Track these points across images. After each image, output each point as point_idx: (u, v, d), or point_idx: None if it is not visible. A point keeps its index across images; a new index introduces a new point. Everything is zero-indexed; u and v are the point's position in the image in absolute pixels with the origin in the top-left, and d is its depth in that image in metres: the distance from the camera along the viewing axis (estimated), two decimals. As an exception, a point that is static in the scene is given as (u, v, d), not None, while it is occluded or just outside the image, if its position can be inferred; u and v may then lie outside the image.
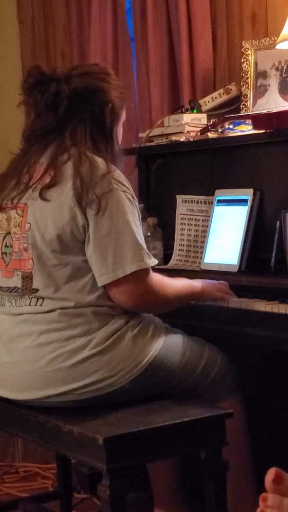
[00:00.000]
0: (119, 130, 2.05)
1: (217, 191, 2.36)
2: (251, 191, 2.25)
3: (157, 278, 1.91)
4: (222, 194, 2.34)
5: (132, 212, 1.87)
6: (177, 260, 2.45)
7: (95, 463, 1.74)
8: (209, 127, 2.46)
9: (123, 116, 2.06)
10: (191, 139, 2.52)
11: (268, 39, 2.56)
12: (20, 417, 1.94)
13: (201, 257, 2.35)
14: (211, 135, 2.45)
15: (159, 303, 1.93)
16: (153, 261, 1.88)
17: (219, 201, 2.34)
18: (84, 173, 1.84)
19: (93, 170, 1.84)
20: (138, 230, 1.87)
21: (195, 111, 2.63)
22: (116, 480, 1.70)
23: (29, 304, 1.90)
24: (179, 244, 2.46)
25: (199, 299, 2.02)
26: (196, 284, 2.01)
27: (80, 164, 1.85)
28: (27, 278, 1.89)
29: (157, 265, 1.94)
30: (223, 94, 2.64)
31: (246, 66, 2.60)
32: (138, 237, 1.85)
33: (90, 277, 1.86)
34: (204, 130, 2.48)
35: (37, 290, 1.89)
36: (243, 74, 2.61)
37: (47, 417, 1.85)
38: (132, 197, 1.89)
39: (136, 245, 1.84)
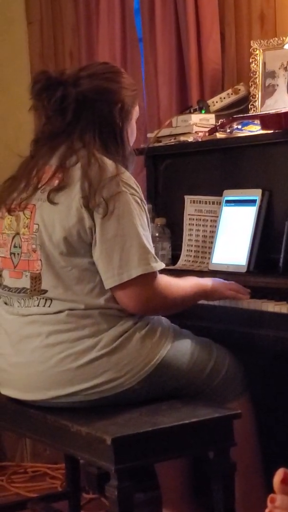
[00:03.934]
0: (131, 129, 2.03)
1: (225, 192, 2.35)
2: (259, 191, 2.25)
3: (164, 281, 1.90)
4: (230, 194, 2.34)
5: (140, 215, 1.86)
6: (185, 260, 2.45)
7: (103, 463, 1.74)
8: (218, 128, 2.46)
9: (136, 113, 2.04)
10: (200, 140, 2.51)
11: (276, 39, 2.56)
12: (29, 417, 1.95)
13: (209, 258, 2.35)
14: (219, 135, 2.45)
15: (166, 306, 1.92)
16: (160, 265, 1.87)
17: (228, 201, 2.34)
18: (92, 175, 1.83)
19: (101, 173, 1.84)
20: (146, 233, 1.86)
21: (203, 112, 2.63)
22: (124, 480, 1.70)
23: (38, 305, 1.90)
24: (187, 245, 2.46)
25: (210, 297, 2.00)
26: (206, 282, 2.00)
27: (89, 167, 1.85)
28: (36, 279, 1.90)
29: (165, 266, 1.93)
30: (232, 94, 2.63)
31: (255, 66, 2.60)
32: (145, 241, 1.84)
33: (99, 280, 1.86)
34: (213, 131, 2.48)
35: (46, 291, 1.89)
36: (251, 74, 2.61)
37: (56, 417, 1.85)
38: (141, 200, 1.88)
39: (142, 249, 1.83)
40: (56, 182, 1.88)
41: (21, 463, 3.06)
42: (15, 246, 1.96)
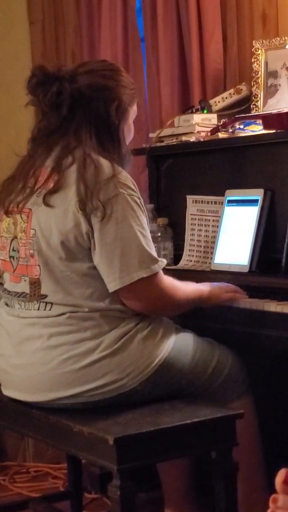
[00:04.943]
0: (128, 128, 2.02)
1: (227, 191, 2.35)
2: (261, 191, 2.25)
3: (168, 281, 1.90)
4: (232, 194, 2.34)
5: (139, 216, 1.85)
6: (187, 260, 2.45)
7: (105, 463, 1.74)
8: (220, 127, 2.46)
9: (133, 113, 2.03)
10: (202, 139, 2.51)
11: (278, 38, 2.56)
12: (31, 418, 1.95)
13: (211, 258, 2.35)
14: (221, 135, 2.45)
15: (170, 305, 1.92)
16: (161, 265, 1.87)
17: (230, 201, 2.34)
18: (88, 178, 1.82)
19: (97, 174, 1.82)
20: (146, 234, 1.86)
21: (205, 111, 2.63)
22: (126, 480, 1.70)
23: (38, 309, 1.90)
24: (190, 245, 2.46)
25: (207, 302, 2.00)
26: (204, 287, 2.00)
27: (84, 169, 1.83)
28: (35, 284, 1.89)
29: (167, 265, 1.93)
30: (234, 94, 2.63)
31: (257, 66, 2.60)
32: (144, 243, 1.84)
33: (99, 284, 1.85)
34: (215, 130, 2.48)
35: (45, 296, 1.88)
36: (253, 74, 2.61)
37: (58, 418, 1.85)
38: (139, 199, 1.87)
39: (142, 251, 1.83)
40: (51, 184, 1.86)
41: (23, 463, 3.06)
42: (13, 250, 1.95)
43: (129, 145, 2.03)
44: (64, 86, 1.92)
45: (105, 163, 1.86)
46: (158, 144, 2.64)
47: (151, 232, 1.94)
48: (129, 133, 2.03)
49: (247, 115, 2.49)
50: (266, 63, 2.58)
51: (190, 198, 2.49)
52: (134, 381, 1.86)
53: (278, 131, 2.23)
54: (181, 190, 2.56)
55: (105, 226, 1.81)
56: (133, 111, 2.03)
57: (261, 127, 2.35)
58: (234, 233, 2.29)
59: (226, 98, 2.65)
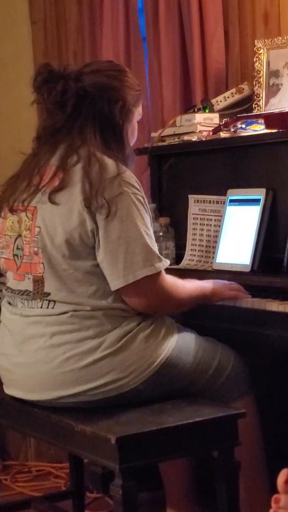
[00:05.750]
0: (132, 129, 2.02)
1: (229, 191, 2.35)
2: (263, 190, 2.25)
3: (170, 280, 1.91)
4: (234, 193, 2.34)
5: (143, 215, 1.86)
6: (189, 260, 2.45)
7: (107, 463, 1.74)
8: (222, 127, 2.46)
9: (138, 113, 2.04)
10: (203, 139, 2.51)
11: (280, 38, 2.56)
12: (33, 417, 1.95)
13: (213, 257, 2.35)
14: (223, 134, 2.45)
15: (172, 304, 1.93)
16: (164, 264, 1.88)
17: (232, 200, 2.34)
18: (93, 176, 1.83)
19: (102, 173, 1.83)
20: (149, 232, 1.86)
21: (207, 111, 2.63)
22: (129, 479, 1.70)
23: (41, 307, 1.90)
24: (191, 244, 2.46)
25: (210, 299, 2.01)
26: (207, 285, 2.01)
27: (89, 167, 1.84)
28: (39, 282, 1.89)
29: (169, 265, 1.94)
30: (236, 93, 2.63)
31: (259, 65, 2.60)
32: (148, 241, 1.84)
33: (102, 283, 1.86)
34: (216, 130, 2.48)
35: (49, 294, 1.89)
36: (255, 73, 2.61)
37: (60, 417, 1.86)
38: (143, 198, 1.88)
39: (146, 250, 1.84)
40: (56, 182, 1.87)
41: (25, 462, 3.06)
42: (17, 248, 1.96)
43: (132, 145, 2.03)
44: (69, 85, 1.92)
45: (109, 162, 1.86)
46: (160, 144, 2.64)
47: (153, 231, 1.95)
48: (133, 134, 2.03)
49: (249, 114, 2.49)
50: (268, 63, 2.58)
51: (192, 198, 2.49)
52: (136, 380, 1.86)
53: (280, 130, 2.23)
54: (183, 190, 2.56)
55: (109, 223, 1.81)
56: (137, 112, 2.03)
57: (263, 126, 2.35)
58: (236, 232, 2.29)
59: (228, 97, 2.65)
